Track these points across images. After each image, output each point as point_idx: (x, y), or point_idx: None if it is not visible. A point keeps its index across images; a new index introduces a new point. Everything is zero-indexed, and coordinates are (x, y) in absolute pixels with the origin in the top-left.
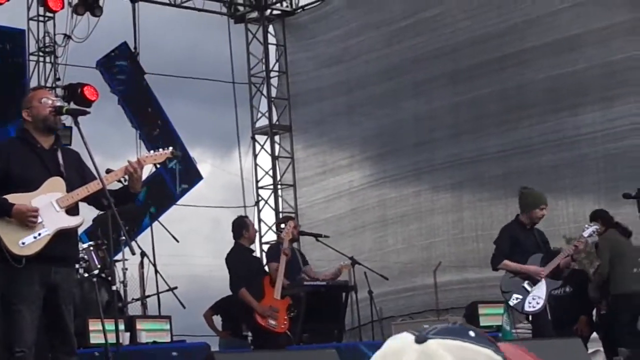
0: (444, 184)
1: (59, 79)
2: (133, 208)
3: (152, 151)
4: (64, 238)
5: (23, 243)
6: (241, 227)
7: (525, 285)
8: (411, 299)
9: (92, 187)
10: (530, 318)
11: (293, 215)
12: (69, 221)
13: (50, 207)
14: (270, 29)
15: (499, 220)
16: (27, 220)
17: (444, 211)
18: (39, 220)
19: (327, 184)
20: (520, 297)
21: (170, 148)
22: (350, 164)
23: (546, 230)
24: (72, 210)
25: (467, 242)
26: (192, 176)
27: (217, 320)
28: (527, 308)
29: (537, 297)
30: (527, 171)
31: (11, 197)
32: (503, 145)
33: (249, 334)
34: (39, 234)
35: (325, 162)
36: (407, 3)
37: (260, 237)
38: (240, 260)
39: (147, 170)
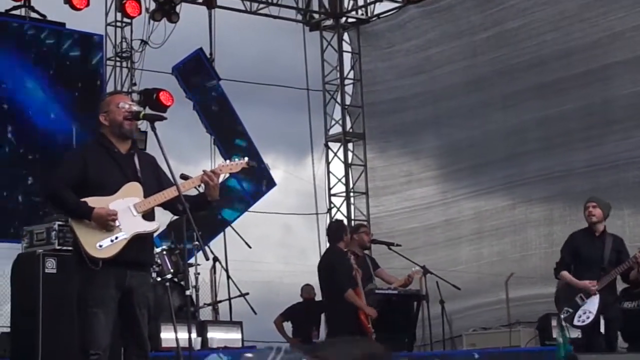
0: (538, 197)
1: (135, 84)
2: (208, 214)
3: (227, 160)
4: (140, 243)
5: (100, 246)
6: (341, 230)
7: (577, 299)
8: (498, 312)
9: (169, 193)
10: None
11: (365, 223)
12: (146, 226)
13: (128, 212)
14: (345, 36)
15: None
16: (106, 223)
17: (536, 225)
18: (116, 224)
19: (413, 193)
20: (571, 310)
21: (246, 158)
22: (442, 174)
23: (633, 246)
24: (149, 215)
25: (556, 255)
26: (266, 182)
27: (288, 326)
28: (576, 322)
29: (587, 311)
30: (613, 187)
31: (89, 201)
32: (589, 161)
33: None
34: (116, 238)
35: (410, 171)
36: (486, 14)
37: None
38: (343, 263)
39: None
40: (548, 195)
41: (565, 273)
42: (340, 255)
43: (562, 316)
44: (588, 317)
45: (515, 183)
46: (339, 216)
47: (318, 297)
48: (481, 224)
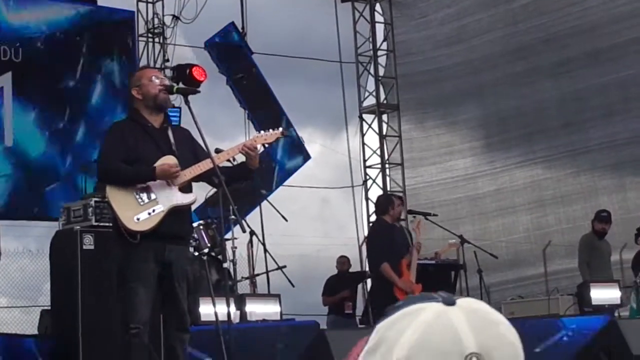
0: (604, 164)
1: (167, 60)
2: (249, 187)
3: (262, 132)
4: (178, 216)
5: (138, 219)
6: (387, 203)
7: None
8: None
9: (204, 165)
10: None
11: (400, 194)
12: (183, 198)
13: (164, 185)
14: (378, 7)
15: None
16: (172, 175)
17: (608, 192)
18: (153, 197)
19: (455, 164)
20: None
21: (281, 128)
22: (487, 144)
23: None
24: (185, 188)
25: (633, 222)
26: (300, 155)
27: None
28: None
29: None
30: None
31: None
32: None
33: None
34: (153, 210)
35: (450, 142)
36: None
37: (368, 215)
38: (383, 236)
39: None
40: (616, 162)
41: None
42: (379, 228)
43: (637, 280)
44: None
45: (577, 151)
46: (375, 188)
47: (353, 268)
48: (541, 192)
